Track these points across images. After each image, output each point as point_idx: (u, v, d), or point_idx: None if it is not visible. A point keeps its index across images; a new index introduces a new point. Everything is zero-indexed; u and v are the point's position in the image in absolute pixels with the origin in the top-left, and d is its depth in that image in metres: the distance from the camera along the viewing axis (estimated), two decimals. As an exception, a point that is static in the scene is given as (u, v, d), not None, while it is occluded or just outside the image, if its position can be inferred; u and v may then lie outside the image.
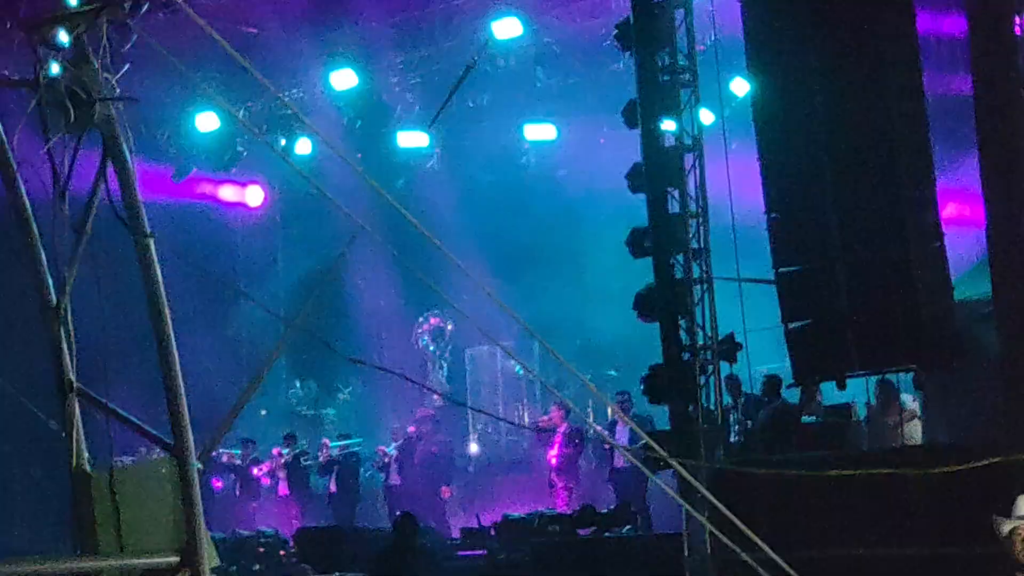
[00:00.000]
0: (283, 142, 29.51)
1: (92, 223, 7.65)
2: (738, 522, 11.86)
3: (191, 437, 7.37)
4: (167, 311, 7.45)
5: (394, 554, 17.87)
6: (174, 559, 7.22)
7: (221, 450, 28.38)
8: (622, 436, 22.09)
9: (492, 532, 20.69)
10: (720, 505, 12.63)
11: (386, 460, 26.61)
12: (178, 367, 7.40)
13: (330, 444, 27.50)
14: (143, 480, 7.63)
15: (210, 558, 7.34)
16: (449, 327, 33.34)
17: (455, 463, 27.08)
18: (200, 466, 7.39)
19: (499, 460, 30.61)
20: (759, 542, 11.77)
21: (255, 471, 27.75)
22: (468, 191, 32.47)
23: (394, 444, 26.80)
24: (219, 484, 28.43)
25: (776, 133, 16.84)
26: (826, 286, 16.12)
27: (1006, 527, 9.18)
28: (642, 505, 21.29)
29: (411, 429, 26.52)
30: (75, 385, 7.73)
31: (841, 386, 16.51)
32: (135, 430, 7.61)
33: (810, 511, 15.21)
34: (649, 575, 16.87)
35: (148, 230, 7.44)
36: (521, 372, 30.01)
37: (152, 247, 7.47)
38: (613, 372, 28.96)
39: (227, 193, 33.77)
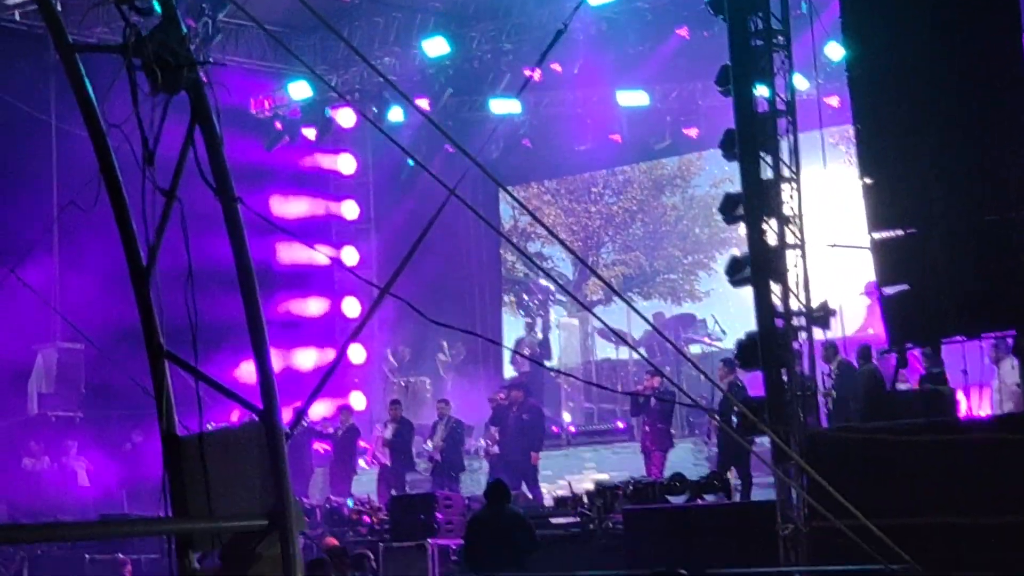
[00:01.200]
0: (375, 110, 29.60)
1: (180, 187, 7.66)
2: (831, 489, 11.80)
3: (278, 401, 7.37)
4: (253, 274, 7.46)
5: (486, 521, 17.88)
6: (263, 522, 7.23)
7: (315, 419, 28.64)
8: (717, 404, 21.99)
9: (584, 500, 20.65)
10: (813, 472, 12.56)
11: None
12: (265, 332, 7.40)
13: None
14: (232, 444, 7.65)
15: (298, 522, 7.35)
16: (539, 294, 33.42)
17: (546, 431, 27.00)
18: (288, 431, 7.39)
19: (592, 428, 30.62)
20: (853, 509, 11.70)
21: (360, 443, 27.84)
22: (560, 158, 32.47)
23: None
24: (319, 451, 28.60)
25: (872, 97, 16.65)
26: (923, 250, 15.93)
27: None
28: (745, 471, 21.12)
29: (500, 397, 26.50)
30: (165, 349, 7.77)
31: (937, 352, 16.32)
32: (223, 394, 7.63)
33: (904, 479, 15.06)
34: (742, 543, 16.73)
35: (235, 194, 7.45)
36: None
37: (238, 211, 7.47)
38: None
39: (320, 161, 33.95)
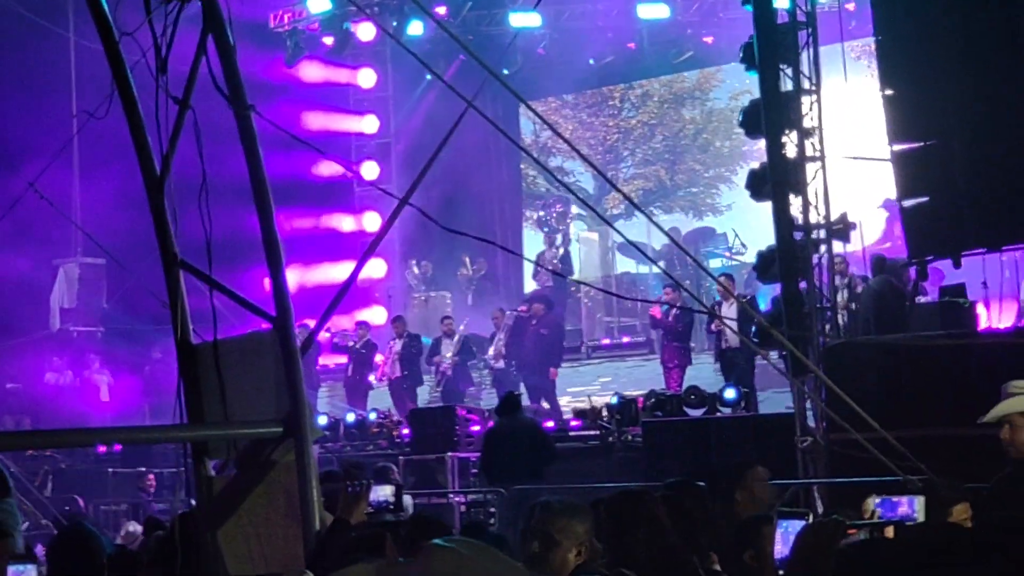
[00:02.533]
0: (395, 24, 29.47)
1: (198, 102, 7.65)
2: (850, 401, 11.78)
3: (292, 310, 7.39)
4: (267, 184, 7.45)
5: (501, 433, 17.98)
6: (278, 429, 7.27)
7: (335, 331, 28.73)
8: (731, 316, 21.94)
9: (604, 413, 20.71)
10: (831, 384, 12.56)
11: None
12: (278, 240, 7.41)
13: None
14: (247, 352, 7.67)
15: (313, 430, 7.39)
16: (558, 208, 33.39)
17: (565, 345, 27.01)
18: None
19: (613, 342, 30.69)
20: (871, 421, 11.68)
21: (374, 358, 27.93)
22: (579, 72, 32.32)
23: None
24: (334, 364, 28.73)
25: (894, 8, 16.50)
26: (944, 162, 15.82)
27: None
28: (750, 387, 21.20)
29: (522, 309, 26.51)
30: (179, 258, 7.78)
31: (957, 264, 16.24)
32: (238, 302, 7.64)
33: (923, 390, 15.03)
34: (760, 455, 16.74)
35: (248, 103, 7.43)
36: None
37: (252, 120, 7.46)
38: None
39: (339, 76, 33.84)
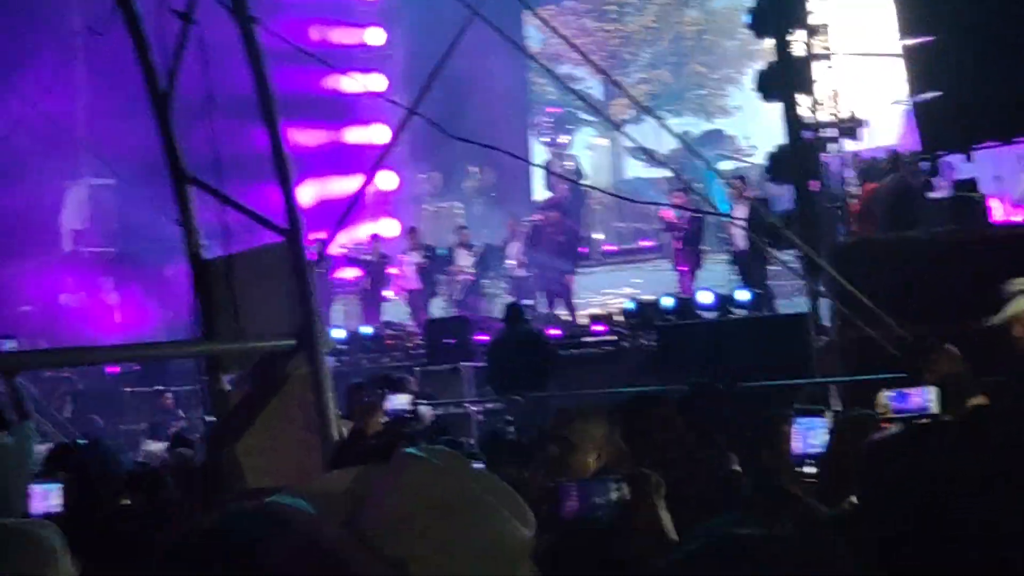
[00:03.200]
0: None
1: (196, 9, 7.60)
2: (863, 298, 11.77)
3: (303, 222, 7.37)
4: (274, 96, 7.41)
5: (504, 343, 18.04)
6: (290, 342, 7.27)
7: (348, 244, 28.70)
8: (742, 218, 21.87)
9: (620, 316, 20.72)
10: (844, 282, 12.54)
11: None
12: (286, 152, 7.38)
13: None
14: (258, 266, 7.66)
15: (325, 342, 7.38)
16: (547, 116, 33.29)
17: (579, 251, 26.99)
18: (342, 250, 7.41)
19: (625, 247, 30.66)
20: (886, 318, 11.68)
21: (388, 270, 27.93)
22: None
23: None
24: (347, 279, 28.70)
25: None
26: (955, 56, 15.69)
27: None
28: (764, 287, 21.18)
29: (537, 217, 26.48)
30: (188, 173, 7.75)
31: (968, 158, 16.17)
32: (248, 215, 7.62)
33: (937, 286, 14.99)
34: (775, 354, 16.76)
35: (251, 14, 7.37)
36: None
37: (255, 32, 7.41)
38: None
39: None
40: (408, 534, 2.67)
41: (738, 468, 8.10)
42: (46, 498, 6.37)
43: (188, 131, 7.98)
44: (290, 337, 7.23)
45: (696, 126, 31.51)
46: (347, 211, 9.96)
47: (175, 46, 7.54)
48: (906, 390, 7.05)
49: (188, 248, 7.72)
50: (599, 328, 21.08)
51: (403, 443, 6.56)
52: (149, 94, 7.73)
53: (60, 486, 6.41)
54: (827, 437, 5.82)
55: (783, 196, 18.60)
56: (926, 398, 6.91)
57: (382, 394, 7.56)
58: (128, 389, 24.46)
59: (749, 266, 21.77)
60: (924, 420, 5.89)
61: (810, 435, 5.78)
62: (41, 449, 14.58)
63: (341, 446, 7.06)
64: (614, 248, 30.64)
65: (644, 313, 20.19)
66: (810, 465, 5.70)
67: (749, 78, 26.08)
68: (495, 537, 2.69)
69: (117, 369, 26.03)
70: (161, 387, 23.91)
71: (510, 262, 26.77)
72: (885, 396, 6.94)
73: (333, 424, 7.05)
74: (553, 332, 20.81)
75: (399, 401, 8.13)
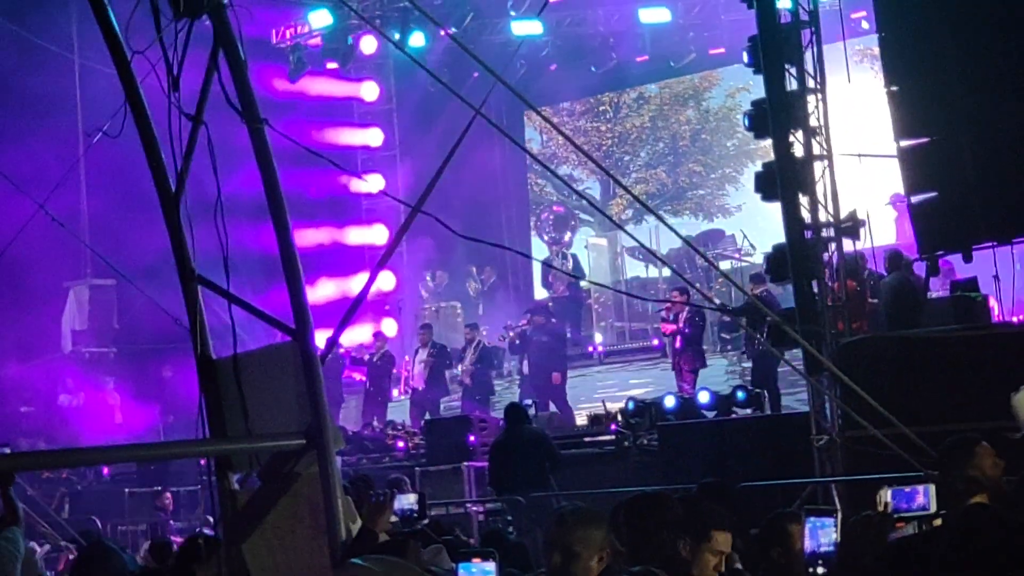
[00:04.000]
0: (397, 36, 29.52)
1: (205, 111, 7.67)
2: (867, 396, 11.79)
3: (311, 321, 7.40)
4: (282, 196, 7.47)
5: (506, 442, 18.04)
6: (300, 441, 7.27)
7: (350, 345, 28.74)
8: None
9: (619, 417, 20.74)
10: (847, 380, 12.56)
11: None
12: (295, 252, 7.42)
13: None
14: (267, 365, 7.67)
15: (336, 441, 7.39)
16: (550, 214, 33.47)
17: (567, 352, 27.09)
18: (324, 356, 7.43)
19: (625, 347, 30.70)
20: (890, 416, 11.69)
21: (395, 371, 28.01)
22: (583, 79, 32.38)
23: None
24: (353, 378, 28.71)
25: (897, 3, 16.53)
26: (951, 156, 15.84)
27: None
28: (772, 387, 21.24)
29: (523, 323, 26.69)
30: (196, 273, 7.79)
31: (968, 258, 16.26)
32: (256, 315, 7.65)
33: (939, 385, 15.04)
34: (778, 455, 16.78)
35: (261, 116, 7.45)
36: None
37: (265, 133, 7.48)
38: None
39: (343, 89, 33.92)
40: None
41: (740, 567, 8.10)
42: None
43: (192, 228, 8.04)
44: (299, 436, 7.24)
45: (695, 227, 31.66)
46: (351, 310, 10.01)
47: (185, 148, 7.61)
48: (907, 488, 7.09)
49: (196, 348, 7.74)
50: (599, 428, 21.10)
51: (412, 543, 6.59)
52: (159, 196, 7.80)
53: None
54: (836, 536, 5.83)
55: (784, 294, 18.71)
56: (927, 496, 6.95)
57: (391, 493, 7.56)
58: (127, 490, 24.41)
59: (759, 363, 21.82)
60: (935, 521, 5.91)
61: (821, 534, 5.79)
62: (39, 550, 14.59)
63: (350, 545, 7.05)
64: (614, 348, 30.68)
65: (645, 413, 20.21)
66: (821, 565, 5.71)
67: (748, 177, 26.33)
68: None
69: (107, 471, 25.99)
70: (159, 487, 23.85)
71: (459, 370, 27.06)
72: (887, 494, 6.96)
73: (342, 523, 7.05)
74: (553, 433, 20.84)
75: (407, 501, 8.14)
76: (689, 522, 7.13)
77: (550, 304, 29.20)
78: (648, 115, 33.88)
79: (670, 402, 20.13)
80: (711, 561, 6.79)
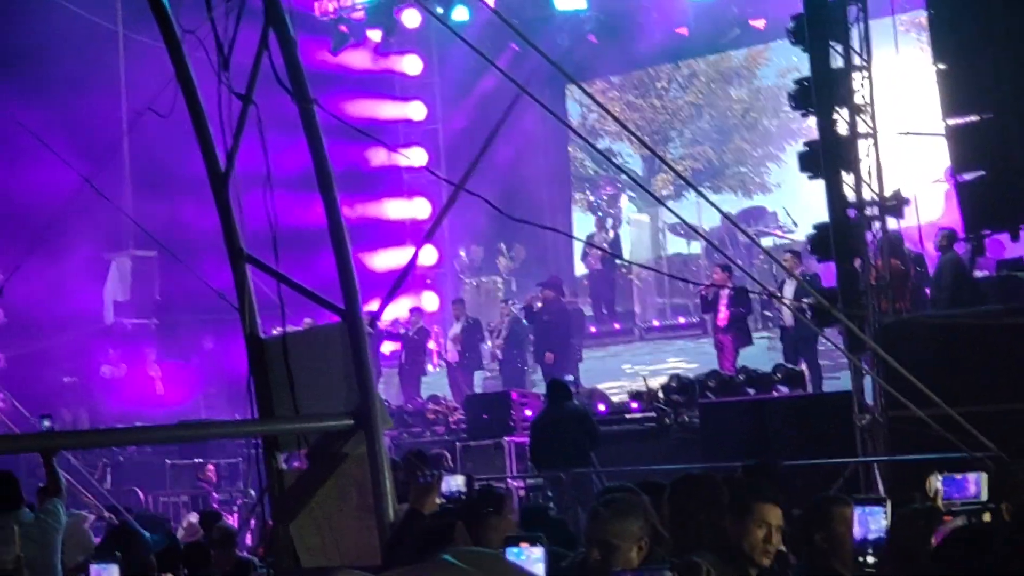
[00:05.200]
0: (440, 10, 29.45)
1: (255, 91, 7.68)
2: (911, 377, 11.74)
3: (360, 301, 7.41)
4: (332, 176, 7.48)
5: (548, 419, 18.01)
6: (348, 422, 7.28)
7: (385, 322, 28.76)
8: (788, 295, 21.87)
9: (660, 394, 20.69)
10: (891, 360, 12.51)
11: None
12: (345, 232, 7.43)
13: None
14: (315, 345, 7.69)
15: (384, 421, 7.40)
16: (609, 190, 33.36)
17: (572, 330, 26.98)
18: (371, 330, 7.44)
19: (665, 323, 30.65)
20: (934, 397, 11.64)
21: (427, 345, 28.03)
22: (625, 54, 32.23)
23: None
24: (385, 353, 28.75)
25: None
26: (999, 135, 15.68)
27: None
28: (813, 364, 21.18)
29: (534, 299, 26.59)
30: (245, 252, 7.81)
31: (1015, 237, 16.12)
32: (305, 295, 7.67)
33: (982, 366, 14.97)
34: (819, 435, 16.72)
35: (311, 96, 7.46)
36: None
37: (315, 113, 7.49)
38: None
39: (385, 63, 33.88)
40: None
41: (784, 548, 8.08)
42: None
43: (240, 205, 8.04)
44: (347, 417, 7.25)
45: (736, 203, 31.50)
46: (397, 283, 10.03)
47: (235, 126, 7.62)
48: (958, 476, 7.03)
49: (245, 327, 7.76)
50: (634, 405, 21.05)
51: (460, 524, 6.59)
52: (209, 174, 7.81)
53: (117, 566, 6.44)
54: (886, 524, 5.80)
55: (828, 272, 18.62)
56: (979, 485, 6.89)
57: (439, 474, 7.55)
58: (168, 461, 24.51)
59: (796, 343, 21.74)
60: (985, 513, 5.88)
61: (871, 522, 5.76)
62: (90, 519, 14.66)
63: (398, 527, 7.06)
64: (655, 324, 30.63)
65: (687, 390, 20.18)
66: (871, 554, 5.68)
67: (789, 156, 26.19)
68: None
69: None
70: (200, 459, 23.94)
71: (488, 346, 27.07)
72: (937, 481, 6.91)
73: (390, 504, 7.06)
74: (599, 409, 20.82)
75: (456, 482, 8.13)
76: (733, 501, 7.10)
77: (585, 281, 29.16)
78: (699, 91, 33.69)
79: (710, 379, 20.08)
80: (758, 534, 6.71)
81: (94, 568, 6.42)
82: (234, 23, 7.50)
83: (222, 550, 11.77)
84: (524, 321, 26.72)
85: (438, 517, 7.14)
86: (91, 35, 27.61)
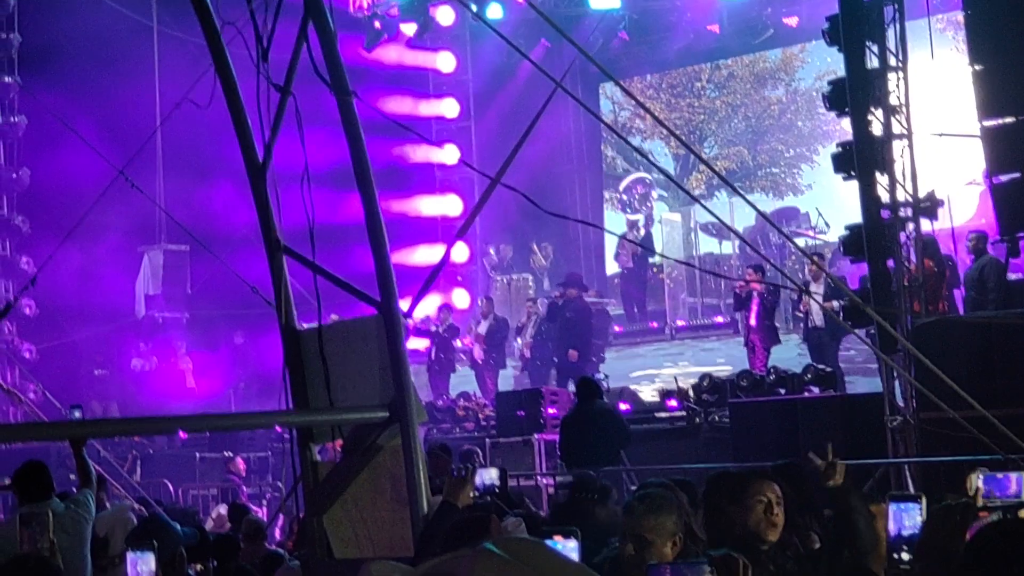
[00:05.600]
0: (474, 7, 29.48)
1: (294, 83, 7.70)
2: (945, 377, 11.67)
3: (396, 292, 7.42)
4: (370, 167, 7.49)
5: (577, 417, 18.00)
6: (383, 414, 7.29)
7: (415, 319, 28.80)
8: (817, 296, 21.84)
9: (690, 393, 20.68)
10: (925, 360, 12.45)
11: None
12: (382, 225, 7.45)
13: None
14: (351, 337, 7.70)
15: (419, 413, 7.41)
16: (640, 189, 33.35)
17: (594, 329, 26.91)
18: (410, 321, 7.45)
19: (696, 323, 30.63)
20: (969, 399, 11.57)
21: (456, 343, 28.04)
22: (658, 53, 32.24)
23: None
24: (416, 349, 28.78)
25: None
26: (1035, 138, 15.62)
27: None
28: (834, 367, 21.15)
29: (556, 295, 26.58)
30: (282, 244, 7.83)
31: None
32: (341, 287, 7.68)
33: (1013, 369, 14.91)
34: (850, 436, 16.67)
35: (349, 88, 7.47)
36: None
37: (353, 105, 7.50)
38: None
39: (419, 59, 33.92)
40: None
41: (819, 547, 8.07)
42: (143, 564, 6.42)
43: (278, 201, 8.07)
44: (383, 409, 7.26)
45: (767, 204, 31.47)
46: (430, 280, 9.98)
47: (273, 119, 7.64)
48: (999, 475, 6.98)
49: (281, 318, 7.78)
50: (672, 404, 21.03)
51: (495, 517, 6.59)
52: (246, 166, 7.83)
53: (153, 554, 6.46)
54: (921, 520, 5.78)
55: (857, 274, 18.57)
56: (1020, 485, 6.84)
57: (473, 468, 7.57)
58: (198, 454, 24.59)
59: (822, 343, 21.71)
60: (1021, 512, 5.84)
61: (905, 518, 5.74)
62: (135, 506, 14.71)
63: (431, 519, 7.07)
64: (684, 324, 30.61)
65: (718, 390, 20.18)
66: (906, 551, 5.66)
67: (822, 157, 26.16)
68: None
69: (184, 434, 26.25)
70: (230, 453, 24.01)
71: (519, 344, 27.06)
72: (978, 479, 6.87)
73: (424, 497, 7.08)
74: (623, 407, 20.81)
75: (489, 475, 8.14)
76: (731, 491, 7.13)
77: (616, 280, 29.10)
78: (736, 92, 33.64)
79: (741, 379, 20.09)
80: (759, 509, 6.75)
81: (130, 556, 6.43)
82: (272, 16, 7.52)
83: (251, 543, 11.84)
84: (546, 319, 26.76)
85: (472, 510, 7.16)
86: (126, 29, 27.73)
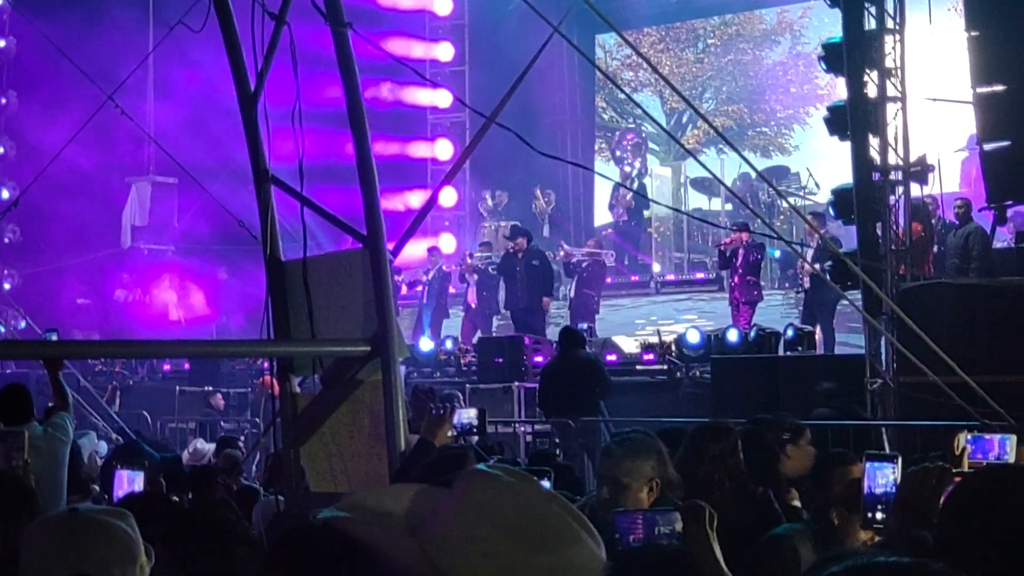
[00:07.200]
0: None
1: (289, 11, 7.64)
2: (929, 341, 11.70)
3: (384, 228, 7.39)
4: (362, 104, 7.44)
5: (558, 366, 17.99)
6: (365, 348, 7.27)
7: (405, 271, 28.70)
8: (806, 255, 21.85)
9: (672, 348, 20.70)
10: (910, 322, 12.47)
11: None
12: (372, 158, 7.41)
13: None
14: (336, 270, 7.67)
15: (400, 350, 7.39)
16: (631, 138, 33.24)
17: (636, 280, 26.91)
18: (392, 258, 7.42)
19: (682, 278, 30.60)
20: (952, 364, 11.60)
21: (448, 286, 27.96)
22: (657, 3, 32.10)
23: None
24: (409, 289, 28.67)
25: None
26: (1025, 106, 15.61)
27: None
28: (828, 329, 21.15)
29: (510, 246, 26.42)
30: (270, 173, 7.79)
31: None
32: (328, 219, 7.65)
33: (997, 335, 14.92)
34: (830, 395, 16.68)
35: (345, 19, 7.41)
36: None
37: (348, 38, 7.45)
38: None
39: (414, 1, 33.68)
40: (474, 554, 2.63)
41: (798, 504, 8.08)
42: (131, 482, 6.43)
43: (268, 130, 8.02)
44: (365, 343, 7.24)
45: (756, 164, 31.34)
46: (417, 222, 9.97)
47: (266, 48, 7.58)
48: (986, 436, 7.00)
49: (266, 248, 7.74)
50: (648, 357, 21.05)
51: (471, 455, 6.58)
52: (238, 94, 7.78)
53: (143, 473, 6.47)
54: (894, 480, 5.77)
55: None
56: (1004, 447, 6.86)
57: (451, 407, 7.55)
58: (178, 388, 24.59)
59: (813, 306, 21.71)
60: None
61: (879, 476, 5.73)
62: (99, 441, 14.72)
63: (408, 457, 7.06)
64: (672, 278, 30.58)
65: (699, 345, 20.21)
66: (880, 510, 5.65)
67: (813, 118, 26.09)
68: (565, 559, 2.65)
69: (168, 367, 26.24)
70: (210, 387, 24.00)
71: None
72: (964, 438, 6.88)
73: (402, 433, 7.07)
74: (610, 359, 20.82)
75: (467, 415, 8.12)
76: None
77: (606, 231, 28.98)
78: (742, 49, 33.50)
79: (733, 336, 20.06)
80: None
81: (119, 473, 6.42)
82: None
83: (227, 477, 11.85)
84: (564, 266, 26.74)
85: (449, 448, 7.15)
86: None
